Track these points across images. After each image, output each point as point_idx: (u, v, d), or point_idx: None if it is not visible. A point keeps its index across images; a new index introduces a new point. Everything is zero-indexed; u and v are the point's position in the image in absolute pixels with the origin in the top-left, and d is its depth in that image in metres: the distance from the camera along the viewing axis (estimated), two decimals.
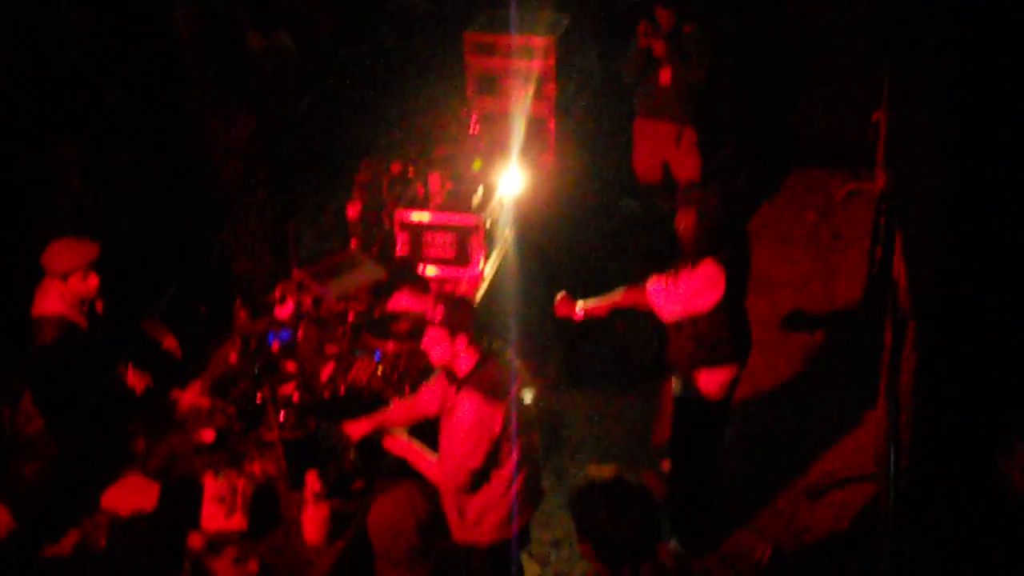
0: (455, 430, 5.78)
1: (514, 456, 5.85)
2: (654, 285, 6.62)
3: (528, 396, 6.09)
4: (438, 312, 5.80)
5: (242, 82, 9.49)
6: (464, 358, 5.82)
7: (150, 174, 8.36)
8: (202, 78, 9.08)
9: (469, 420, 5.72)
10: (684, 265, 6.52)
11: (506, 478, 5.88)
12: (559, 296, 6.95)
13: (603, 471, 7.62)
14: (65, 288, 6.47)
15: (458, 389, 5.82)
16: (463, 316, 5.82)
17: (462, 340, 5.79)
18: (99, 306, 6.66)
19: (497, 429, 5.76)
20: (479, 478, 5.84)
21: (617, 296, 6.83)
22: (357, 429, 6.10)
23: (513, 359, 6.00)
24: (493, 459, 5.82)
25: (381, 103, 9.88)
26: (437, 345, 5.82)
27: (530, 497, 6.10)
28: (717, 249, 6.46)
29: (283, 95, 9.89)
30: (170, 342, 6.95)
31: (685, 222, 6.49)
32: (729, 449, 7.40)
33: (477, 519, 5.96)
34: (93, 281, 6.49)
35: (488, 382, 5.78)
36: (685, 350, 6.72)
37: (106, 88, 8.40)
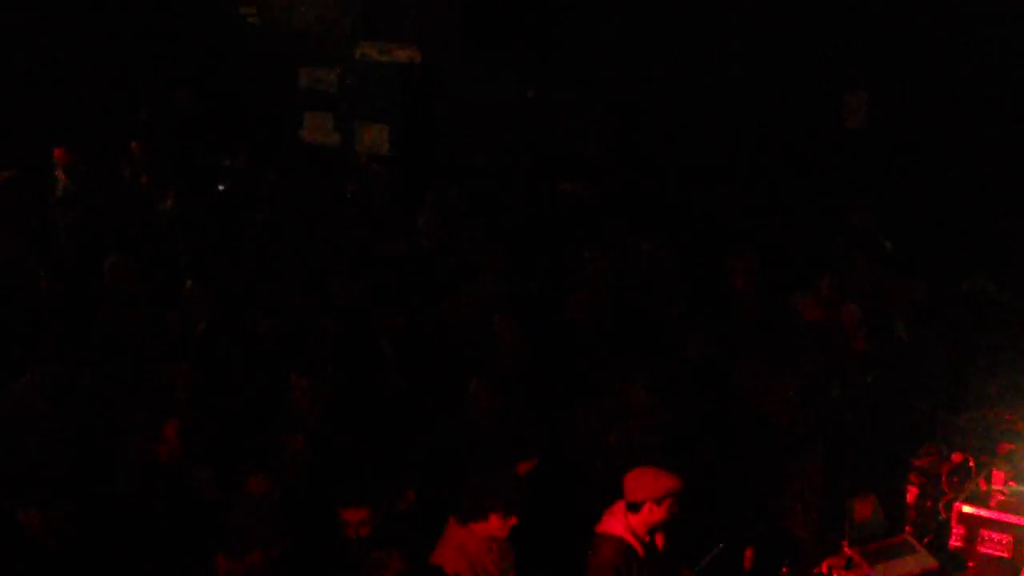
0: None
1: None
2: None
3: None
4: None
5: (794, 354, 9.79)
6: None
7: (715, 421, 8.78)
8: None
9: None
10: None
11: None
12: None
13: None
14: (636, 516, 6.82)
15: None
16: None
17: None
18: (659, 541, 6.94)
19: None
20: None
21: None
22: None
23: None
24: None
25: (947, 389, 9.77)
26: None
27: None
28: None
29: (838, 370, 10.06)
30: None
31: None
32: None
33: None
34: (661, 513, 6.80)
35: None
36: None
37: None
